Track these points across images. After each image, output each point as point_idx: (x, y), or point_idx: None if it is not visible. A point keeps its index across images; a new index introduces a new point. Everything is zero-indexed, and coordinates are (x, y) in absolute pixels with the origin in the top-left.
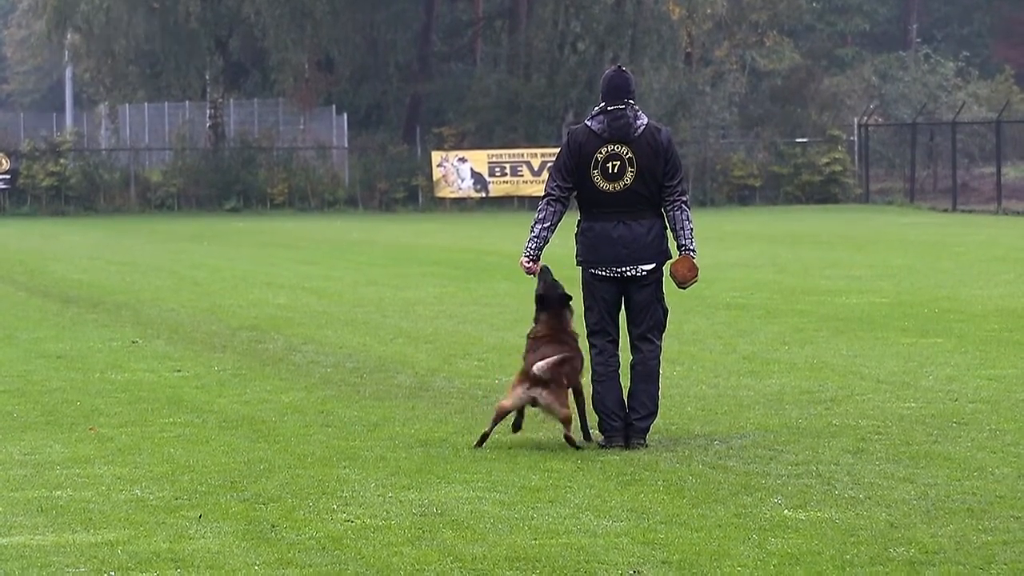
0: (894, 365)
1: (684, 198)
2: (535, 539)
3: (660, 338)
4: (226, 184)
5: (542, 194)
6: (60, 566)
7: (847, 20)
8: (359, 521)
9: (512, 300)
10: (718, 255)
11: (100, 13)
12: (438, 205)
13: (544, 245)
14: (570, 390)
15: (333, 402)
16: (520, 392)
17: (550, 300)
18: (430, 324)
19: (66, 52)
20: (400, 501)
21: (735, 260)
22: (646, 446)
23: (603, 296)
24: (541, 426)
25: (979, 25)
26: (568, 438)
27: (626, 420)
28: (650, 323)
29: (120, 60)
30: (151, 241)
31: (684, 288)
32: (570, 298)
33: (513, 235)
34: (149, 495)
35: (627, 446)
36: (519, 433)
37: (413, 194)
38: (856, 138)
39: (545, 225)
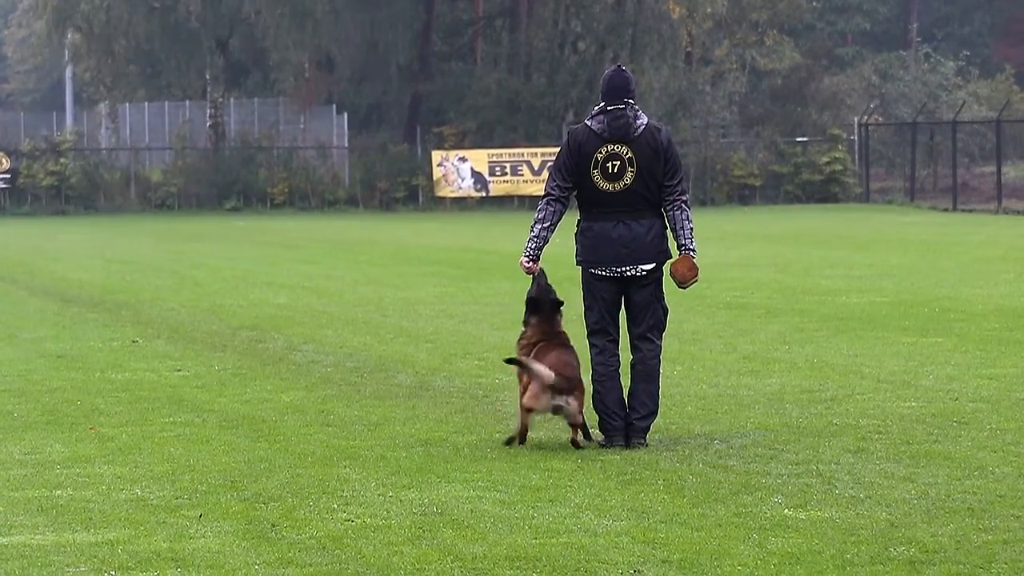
0: (894, 364)
1: (684, 198)
2: (535, 538)
3: (660, 337)
4: (226, 184)
5: (542, 194)
6: (60, 565)
7: (847, 19)
8: (359, 520)
9: (512, 300)
10: (718, 254)
11: (100, 12)
12: (438, 204)
13: (544, 245)
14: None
15: (333, 401)
16: (546, 400)
17: (541, 304)
18: (430, 323)
19: (66, 51)
20: (400, 500)
21: (735, 259)
22: (646, 445)
23: (603, 296)
24: (542, 426)
25: (979, 24)
26: (575, 442)
27: (626, 419)
28: (650, 322)
29: (120, 59)
30: (151, 241)
31: (684, 288)
32: (562, 303)
33: (513, 235)
34: (149, 494)
35: (627, 445)
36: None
37: (413, 193)
38: (856, 137)
39: (545, 225)
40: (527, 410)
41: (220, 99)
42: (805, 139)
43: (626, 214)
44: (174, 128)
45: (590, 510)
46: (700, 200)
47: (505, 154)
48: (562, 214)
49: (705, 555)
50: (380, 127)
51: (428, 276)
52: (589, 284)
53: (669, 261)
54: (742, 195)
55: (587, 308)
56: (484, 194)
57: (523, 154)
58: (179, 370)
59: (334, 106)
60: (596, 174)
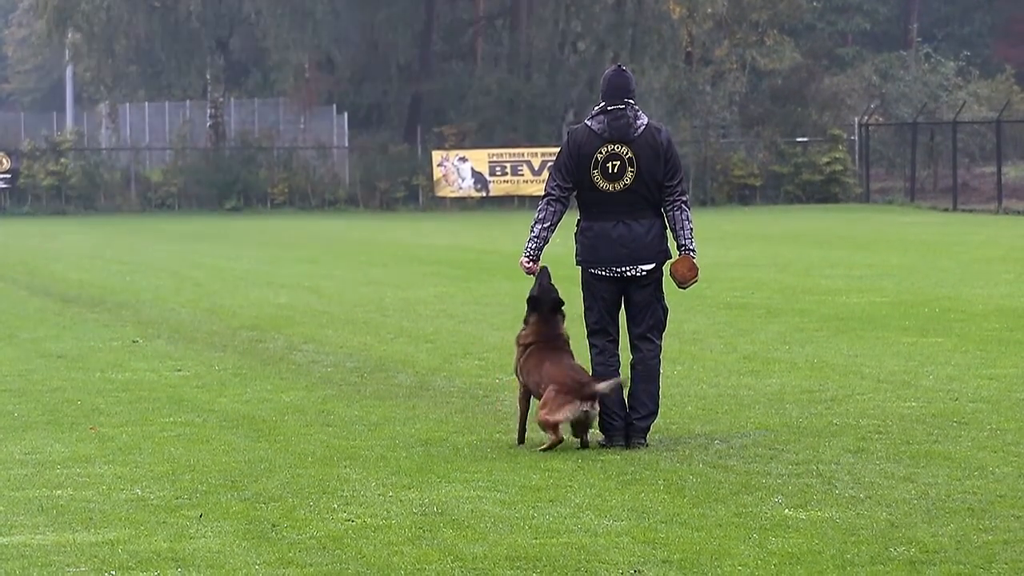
0: (895, 364)
1: (684, 198)
2: (536, 538)
3: (660, 338)
4: (226, 183)
5: (542, 194)
6: (61, 565)
7: (847, 19)
8: (360, 520)
9: (513, 300)
10: (719, 254)
11: (101, 12)
12: (439, 204)
13: (544, 245)
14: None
15: (334, 401)
16: (573, 408)
17: (542, 304)
18: (431, 323)
19: (67, 51)
20: (401, 500)
21: (736, 259)
22: (647, 445)
23: (603, 296)
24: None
25: (980, 25)
26: (585, 443)
27: (627, 419)
28: (650, 323)
29: (121, 59)
30: (152, 240)
31: (684, 288)
32: (562, 303)
33: (513, 235)
34: (150, 494)
35: (628, 445)
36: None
37: (414, 193)
38: (857, 137)
39: (545, 225)
40: (554, 424)
41: (220, 99)
42: (805, 139)
43: (626, 214)
44: (174, 128)
45: (590, 510)
46: (700, 200)
47: (505, 154)
48: (562, 214)
49: (705, 555)
50: (380, 127)
51: (428, 276)
52: (589, 284)
53: (669, 261)
54: (742, 195)
55: (587, 308)
56: (484, 194)
57: (523, 154)
58: (179, 370)
59: (334, 106)
60: (596, 174)
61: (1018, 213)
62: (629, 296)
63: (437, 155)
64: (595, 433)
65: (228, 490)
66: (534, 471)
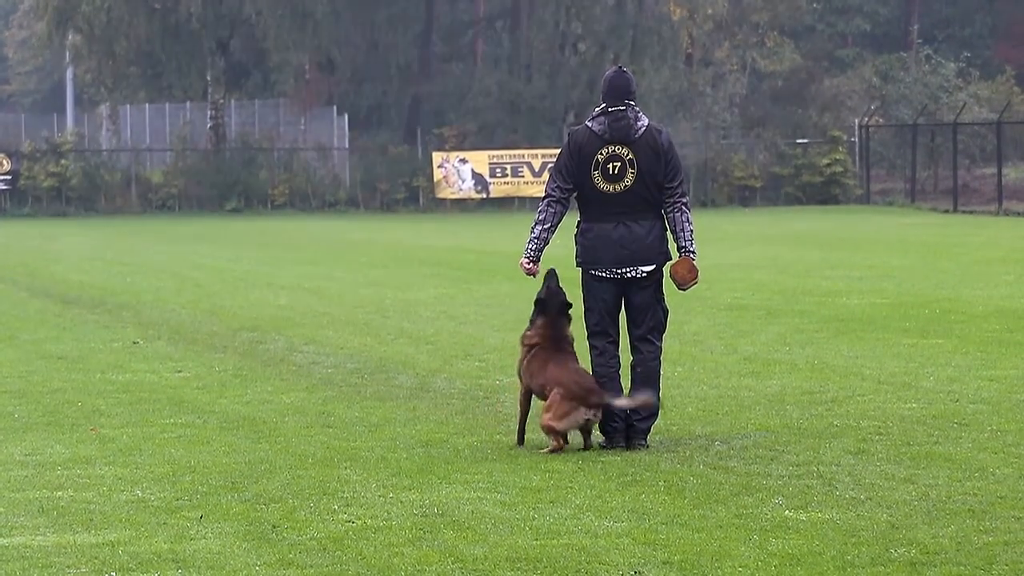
0: (895, 366)
1: (684, 200)
2: (536, 540)
3: (660, 339)
4: (227, 185)
5: (542, 195)
6: (61, 567)
7: (848, 21)
8: (360, 522)
9: (513, 301)
10: (719, 256)
11: (101, 14)
12: (439, 206)
13: (544, 246)
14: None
15: (334, 403)
16: (578, 416)
17: (549, 306)
18: (431, 325)
19: (67, 53)
20: (401, 502)
21: (736, 261)
22: (647, 447)
23: (603, 297)
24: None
25: (980, 26)
26: (588, 444)
27: (627, 421)
28: (650, 324)
29: (121, 61)
30: (152, 242)
31: (684, 290)
32: (570, 306)
33: (514, 236)
34: (150, 496)
35: (628, 447)
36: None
37: (414, 195)
38: (857, 139)
39: (545, 226)
40: (559, 431)
41: (221, 100)
42: (806, 141)
43: (626, 215)
44: (175, 129)
45: (591, 511)
46: (700, 201)
47: (505, 155)
48: (563, 215)
49: (706, 556)
50: (380, 128)
51: (429, 277)
52: (589, 285)
53: (669, 263)
54: (743, 197)
55: (587, 309)
56: (484, 195)
57: (523, 155)
58: (180, 371)
59: (335, 107)
60: (597, 175)
61: (1018, 214)
62: (629, 298)
63: (437, 156)
64: (596, 435)
65: (228, 491)
66: (535, 472)
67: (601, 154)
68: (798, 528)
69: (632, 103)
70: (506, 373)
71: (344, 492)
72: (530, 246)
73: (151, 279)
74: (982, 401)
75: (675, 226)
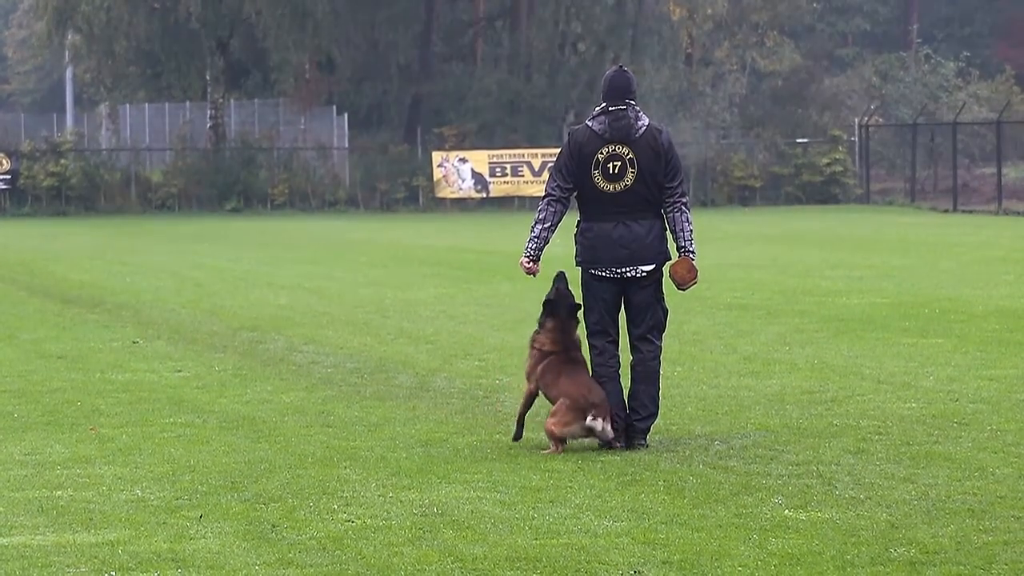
0: (895, 365)
1: (684, 200)
2: (536, 539)
3: (660, 339)
4: (227, 184)
5: (543, 194)
6: (61, 566)
7: (847, 20)
8: (360, 521)
9: (513, 301)
10: (719, 256)
11: (101, 13)
12: (439, 205)
13: (544, 245)
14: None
15: (334, 402)
16: (579, 427)
17: (557, 308)
18: (431, 324)
19: (67, 52)
20: (401, 501)
21: (736, 260)
22: (647, 446)
23: (603, 297)
24: (541, 427)
25: (980, 25)
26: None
27: (627, 421)
28: (650, 324)
29: (121, 60)
30: (152, 241)
31: (683, 290)
32: (579, 308)
33: (514, 235)
34: (150, 495)
35: (628, 446)
36: (524, 434)
37: (414, 194)
38: (857, 138)
39: (545, 225)
40: (558, 437)
41: (220, 100)
42: (805, 140)
43: (626, 215)
44: (174, 129)
45: (590, 511)
46: (700, 201)
47: (505, 155)
48: (563, 214)
49: (705, 556)
50: (380, 128)
51: (428, 277)
52: (589, 285)
53: (668, 263)
54: (742, 196)
55: (587, 309)
56: (484, 195)
57: (523, 155)
58: (179, 371)
59: (334, 107)
60: (597, 175)
61: (1018, 214)
62: (629, 297)
63: (437, 156)
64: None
65: (228, 491)
66: (534, 472)
67: (601, 153)
68: (798, 527)
69: (633, 103)
70: (506, 372)
71: (344, 491)
72: (530, 245)
73: (151, 279)
74: (982, 401)
75: (675, 226)
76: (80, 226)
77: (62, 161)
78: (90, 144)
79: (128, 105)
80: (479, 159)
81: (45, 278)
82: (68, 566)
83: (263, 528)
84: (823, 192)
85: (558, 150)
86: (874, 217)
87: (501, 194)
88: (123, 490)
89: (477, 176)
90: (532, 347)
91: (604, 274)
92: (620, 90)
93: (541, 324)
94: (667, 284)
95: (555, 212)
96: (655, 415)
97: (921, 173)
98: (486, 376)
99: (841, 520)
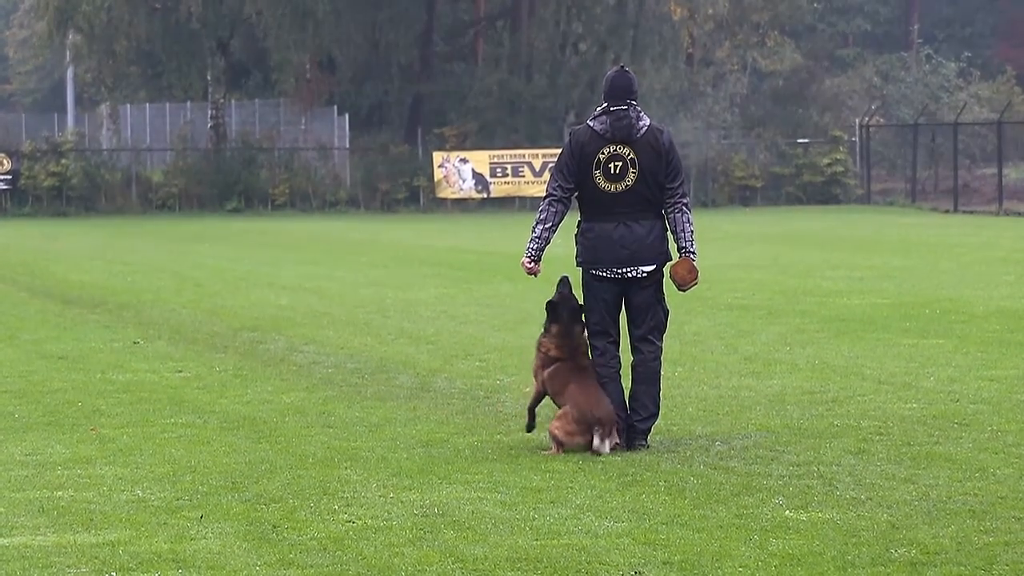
0: (895, 366)
1: (685, 200)
2: (536, 540)
3: (661, 339)
4: (227, 184)
5: (543, 195)
6: (61, 566)
7: (848, 21)
8: (360, 522)
9: (514, 301)
10: (720, 256)
11: (101, 13)
12: (439, 206)
13: (546, 245)
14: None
15: (334, 403)
16: (581, 440)
17: (560, 311)
18: (431, 325)
19: (67, 52)
20: (402, 502)
21: (736, 261)
22: (648, 447)
23: (603, 297)
24: (542, 427)
25: (981, 26)
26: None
27: (628, 421)
28: (651, 324)
29: (121, 60)
30: (152, 242)
31: (683, 291)
32: (582, 310)
33: (514, 236)
34: (150, 496)
35: (629, 447)
36: (525, 434)
37: (414, 195)
38: (857, 139)
39: (547, 226)
40: (560, 442)
41: (221, 100)
42: (806, 140)
43: (627, 215)
44: (175, 129)
45: (591, 511)
46: (701, 201)
47: (506, 155)
48: (564, 215)
49: (706, 556)
50: (381, 128)
51: (429, 277)
52: (589, 285)
53: (668, 263)
54: (743, 196)
55: (588, 309)
56: (485, 195)
57: (524, 155)
58: (180, 371)
59: (335, 107)
60: (598, 175)
61: (1019, 214)
62: (630, 298)
63: (438, 156)
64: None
65: (229, 491)
66: (535, 472)
67: (603, 153)
68: (798, 528)
69: (634, 103)
70: (507, 373)
71: (344, 492)
72: (531, 245)
73: (151, 279)
74: (982, 401)
75: (675, 226)
76: (81, 226)
77: (63, 161)
78: (91, 144)
79: (129, 105)
80: (480, 159)
81: (46, 278)
82: (69, 566)
83: (264, 528)
84: (824, 192)
85: (559, 150)
86: (875, 217)
87: (502, 194)
88: (124, 490)
89: (478, 176)
90: (539, 350)
91: (605, 274)
92: (621, 90)
93: (546, 329)
94: (668, 285)
95: (556, 212)
96: (656, 416)
97: (922, 174)
98: (487, 376)
99: (842, 521)
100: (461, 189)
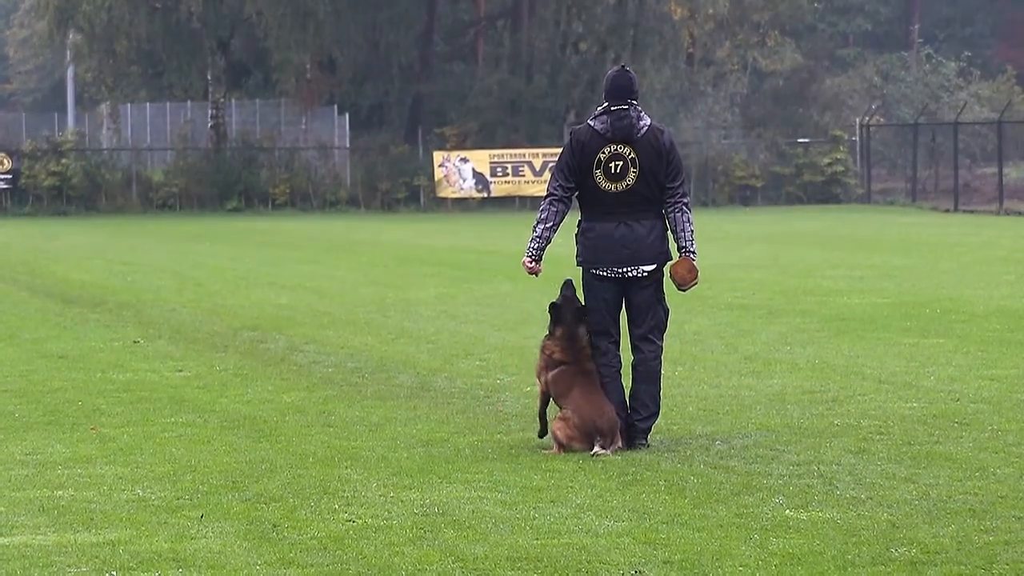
0: (896, 365)
1: (685, 200)
2: (537, 539)
3: (661, 338)
4: (228, 184)
5: (544, 194)
6: (62, 566)
7: (849, 20)
8: (361, 521)
9: (514, 301)
10: (720, 255)
11: (102, 13)
12: (440, 205)
13: (546, 245)
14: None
15: (335, 402)
16: (581, 446)
17: (563, 313)
18: (432, 324)
19: (68, 52)
20: (402, 501)
21: (737, 260)
22: (648, 446)
23: (604, 296)
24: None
25: (981, 26)
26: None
27: (628, 420)
28: (651, 323)
29: (122, 60)
30: (153, 241)
31: (683, 290)
32: (585, 313)
33: (515, 235)
34: (151, 495)
35: (629, 446)
36: (525, 434)
37: (415, 194)
38: (858, 138)
39: (547, 225)
40: (562, 445)
41: (222, 99)
42: (807, 140)
43: (628, 215)
44: (175, 129)
45: (591, 511)
46: (701, 201)
47: (506, 155)
48: (565, 214)
49: (706, 556)
50: (381, 128)
51: (429, 277)
52: (590, 285)
53: (669, 263)
54: (743, 196)
55: (588, 309)
56: (485, 195)
57: (524, 155)
58: (180, 370)
59: (335, 107)
60: (599, 174)
61: (1019, 214)
62: (630, 297)
63: (438, 156)
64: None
65: (229, 491)
66: (535, 472)
67: (603, 153)
68: (799, 527)
69: (635, 102)
70: (507, 372)
71: (345, 491)
72: (532, 245)
73: (152, 278)
74: (983, 400)
75: (676, 226)
76: (81, 226)
77: (63, 161)
78: (91, 144)
79: (129, 105)
80: (480, 159)
81: (46, 278)
82: (69, 566)
83: (264, 528)
84: (824, 192)
85: (559, 150)
86: (875, 217)
87: (502, 194)
88: (124, 490)
89: (478, 176)
90: (542, 353)
91: (605, 274)
92: (622, 90)
93: (550, 331)
94: (668, 284)
95: (557, 212)
96: (656, 415)
97: (922, 173)
98: (487, 376)
99: (842, 520)
100: (461, 189)
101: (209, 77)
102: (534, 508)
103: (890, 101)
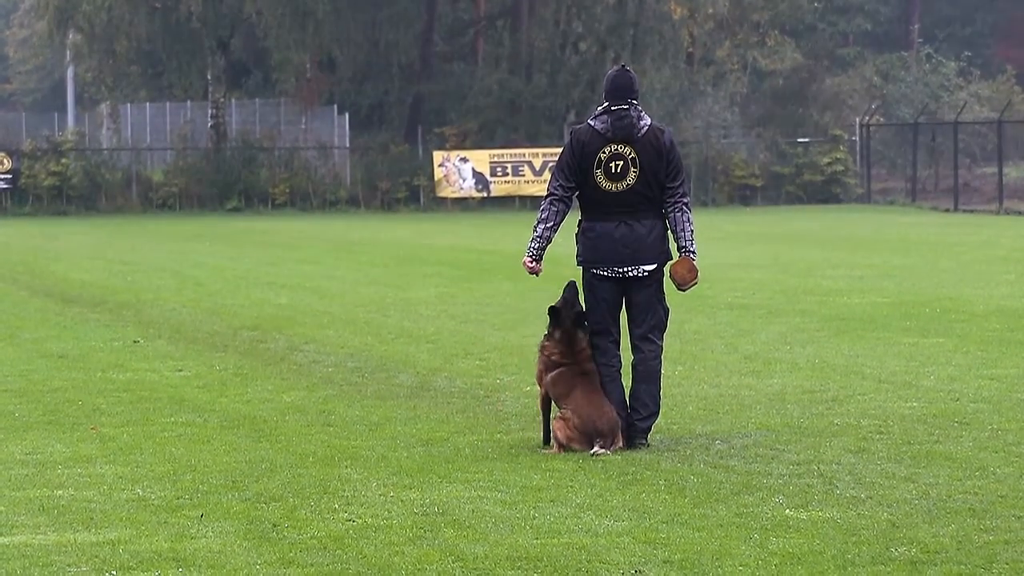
0: (896, 365)
1: (685, 200)
2: (537, 539)
3: (661, 338)
4: (228, 184)
5: (544, 194)
6: (62, 565)
7: (849, 20)
8: (361, 520)
9: (514, 300)
10: (720, 255)
11: (102, 13)
12: (440, 205)
13: (547, 245)
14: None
15: (335, 402)
16: (579, 447)
17: (562, 316)
18: (431, 324)
19: (68, 52)
20: (402, 501)
21: (737, 260)
22: (648, 446)
23: (604, 296)
24: (542, 425)
25: (981, 25)
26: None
27: (628, 420)
28: (651, 323)
29: (122, 60)
30: (153, 241)
31: (683, 290)
32: (584, 317)
33: (515, 235)
34: (151, 494)
35: (629, 446)
36: (525, 433)
37: (415, 194)
38: (858, 138)
39: (548, 225)
40: (562, 446)
41: (221, 99)
42: (806, 140)
43: (628, 214)
44: (175, 128)
45: (591, 510)
46: (701, 201)
47: (506, 154)
48: (565, 214)
49: (706, 555)
50: (381, 127)
51: (429, 276)
52: (590, 284)
53: (669, 263)
54: (743, 196)
55: (588, 309)
56: (485, 194)
57: (524, 155)
58: (180, 370)
59: (335, 106)
60: (599, 174)
61: (1019, 213)
62: (630, 297)
63: (438, 155)
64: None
65: (229, 490)
66: (535, 471)
67: (604, 153)
68: (799, 527)
69: (635, 102)
70: (507, 372)
71: (345, 491)
72: (533, 244)
73: (152, 278)
74: (983, 400)
75: (676, 226)
76: (81, 225)
77: (63, 160)
78: (91, 143)
79: (129, 104)
80: (480, 159)
81: (46, 277)
82: (69, 565)
83: (264, 527)
84: (824, 192)
85: (559, 150)
86: (875, 217)
87: (502, 194)
88: (124, 489)
89: (478, 176)
90: (541, 353)
91: (606, 273)
92: (623, 89)
93: (549, 333)
94: (667, 284)
95: (558, 211)
96: (656, 414)
97: (922, 173)
98: (487, 375)
99: (842, 519)
100: (461, 188)
101: (209, 77)
102: (534, 508)
103: (890, 101)
